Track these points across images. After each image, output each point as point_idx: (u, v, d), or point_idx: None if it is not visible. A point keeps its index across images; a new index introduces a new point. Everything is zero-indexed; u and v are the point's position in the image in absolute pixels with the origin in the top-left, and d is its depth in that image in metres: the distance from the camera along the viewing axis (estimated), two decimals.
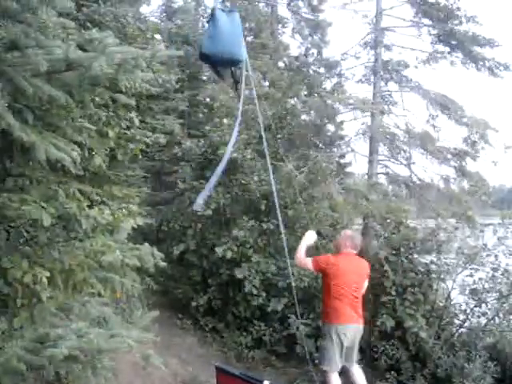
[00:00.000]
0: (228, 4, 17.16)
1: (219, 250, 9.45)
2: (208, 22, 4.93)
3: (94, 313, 4.04)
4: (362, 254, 10.43)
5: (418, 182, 11.29)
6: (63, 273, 4.13)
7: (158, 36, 12.05)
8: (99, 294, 4.63)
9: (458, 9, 11.01)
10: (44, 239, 3.82)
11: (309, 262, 5.96)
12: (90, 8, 6.85)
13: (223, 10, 4.94)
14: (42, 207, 3.54)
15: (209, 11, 18.90)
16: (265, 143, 5.80)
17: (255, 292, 9.34)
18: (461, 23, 11.05)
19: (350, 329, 5.88)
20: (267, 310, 9.45)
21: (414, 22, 11.61)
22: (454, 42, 11.16)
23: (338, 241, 6.25)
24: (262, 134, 5.95)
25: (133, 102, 5.00)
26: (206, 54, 4.78)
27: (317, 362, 6.43)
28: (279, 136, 11.16)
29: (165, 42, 13.83)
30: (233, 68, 5.37)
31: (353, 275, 5.97)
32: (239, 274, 9.33)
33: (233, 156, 9.78)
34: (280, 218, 5.93)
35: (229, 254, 9.38)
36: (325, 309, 5.96)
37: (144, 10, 13.80)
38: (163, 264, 4.78)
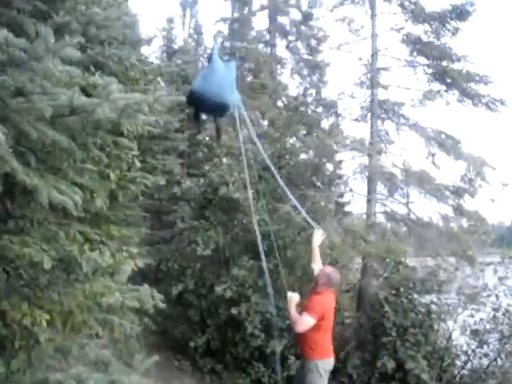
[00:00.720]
0: (227, 45, 17.50)
1: (219, 289, 9.41)
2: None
3: (92, 355, 4.00)
4: (361, 293, 10.46)
5: (416, 221, 11.28)
6: (62, 314, 4.10)
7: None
8: (97, 335, 4.60)
9: (450, 48, 11.20)
10: (44, 281, 3.80)
11: (310, 321, 5.76)
12: (94, 50, 6.96)
13: (222, 58, 5.00)
14: (43, 250, 3.54)
15: (208, 51, 19.25)
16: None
17: (257, 333, 9.25)
18: (453, 62, 11.23)
19: (332, 362, 6.02)
20: (266, 350, 9.34)
21: (408, 62, 11.78)
22: (449, 81, 11.30)
23: (319, 276, 6.10)
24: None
25: (134, 144, 5.04)
26: (195, 92, 4.76)
27: None
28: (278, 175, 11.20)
29: (165, 81, 14.00)
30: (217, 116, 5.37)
31: (332, 312, 6.05)
32: (236, 312, 9.27)
33: (234, 196, 9.82)
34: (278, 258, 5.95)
35: (228, 293, 9.33)
36: (311, 345, 5.86)
37: (145, 50, 14.03)
38: (163, 305, 4.76)
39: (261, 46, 19.11)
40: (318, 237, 6.36)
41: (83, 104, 2.71)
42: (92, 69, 5.31)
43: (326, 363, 5.88)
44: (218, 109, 5.13)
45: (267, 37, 19.01)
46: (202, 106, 5.06)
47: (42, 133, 2.75)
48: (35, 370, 3.37)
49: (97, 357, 4.07)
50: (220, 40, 5.60)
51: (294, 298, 6.07)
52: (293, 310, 5.93)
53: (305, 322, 5.78)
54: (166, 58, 18.16)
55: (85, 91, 3.31)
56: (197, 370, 9.96)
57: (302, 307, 6.04)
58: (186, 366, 9.94)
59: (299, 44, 19.07)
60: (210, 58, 4.96)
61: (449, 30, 11.23)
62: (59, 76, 2.64)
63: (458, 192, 10.97)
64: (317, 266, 6.33)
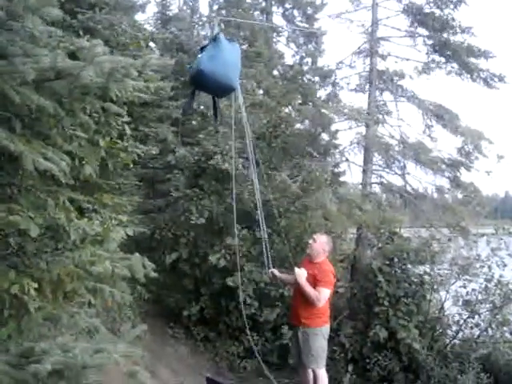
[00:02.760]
0: (224, 12, 17.22)
1: (213, 258, 9.39)
2: (207, 44, 4.82)
3: (83, 324, 3.98)
4: (355, 263, 10.50)
5: (412, 192, 11.28)
6: (52, 283, 4.06)
7: (152, 44, 12.01)
8: (89, 303, 4.58)
9: (453, 19, 11.04)
10: (32, 249, 3.76)
11: (328, 293, 5.97)
12: (85, 15, 6.82)
13: (227, 39, 4.88)
14: (30, 217, 3.48)
15: (204, 19, 18.96)
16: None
17: (249, 301, 9.28)
18: (455, 34, 11.08)
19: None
20: (260, 319, 9.38)
21: (409, 32, 11.64)
22: (449, 53, 11.17)
23: (315, 246, 6.22)
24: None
25: (124, 111, 4.94)
26: (204, 73, 4.62)
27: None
28: (273, 144, 11.12)
29: (160, 49, 13.79)
30: (216, 99, 5.27)
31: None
32: (231, 282, 9.27)
33: (226, 166, 9.75)
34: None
35: (222, 263, 9.33)
36: (316, 313, 6.02)
37: (139, 17, 13.79)
38: (154, 274, 4.73)
39: (257, 13, 18.83)
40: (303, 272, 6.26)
41: (68, 67, 2.62)
42: (82, 34, 5.19)
43: (328, 328, 6.19)
44: (224, 90, 5.08)
45: (263, 4, 18.73)
46: (207, 87, 4.93)
47: (25, 97, 2.66)
48: (23, 341, 3.34)
49: (87, 325, 4.05)
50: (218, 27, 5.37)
51: (303, 273, 6.05)
52: (308, 287, 5.95)
53: (325, 297, 5.93)
54: (160, 25, 17.84)
55: (75, 57, 3.21)
56: (190, 338, 10.01)
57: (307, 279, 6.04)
58: (179, 334, 9.99)
59: (295, 12, 18.79)
60: (215, 39, 4.81)
61: (451, 2, 11.05)
62: (40, 37, 2.55)
63: (454, 164, 10.96)
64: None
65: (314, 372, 6.12)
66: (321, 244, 6.20)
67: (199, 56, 4.72)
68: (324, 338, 6.09)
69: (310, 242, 6.32)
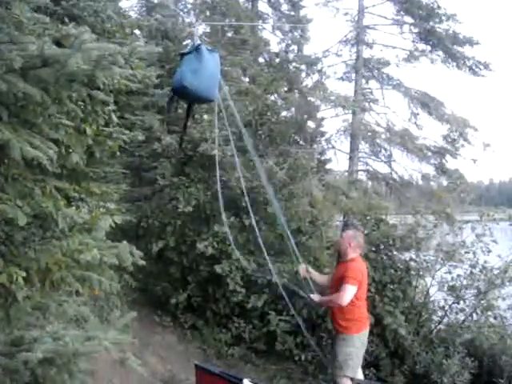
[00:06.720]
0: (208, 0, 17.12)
1: (200, 246, 9.38)
2: (187, 53, 4.86)
3: (71, 312, 3.98)
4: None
5: (397, 179, 11.35)
6: (40, 272, 4.06)
7: (137, 31, 11.90)
8: (77, 292, 4.57)
9: (439, 7, 11.08)
10: (20, 238, 3.74)
11: (352, 289, 5.60)
12: (68, 2, 6.74)
13: (207, 49, 4.90)
14: (18, 206, 3.46)
15: (189, 6, 18.83)
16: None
17: (238, 289, 9.30)
18: (441, 21, 11.11)
19: (367, 333, 5.99)
20: (247, 306, 9.41)
21: (395, 21, 11.67)
22: (434, 41, 11.22)
23: (343, 244, 6.02)
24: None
25: (111, 98, 4.92)
26: (187, 88, 4.67)
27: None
28: (260, 132, 11.12)
29: (145, 37, 13.67)
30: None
31: (366, 279, 5.98)
32: (219, 269, 9.28)
33: (213, 153, 9.74)
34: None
35: (210, 250, 9.33)
36: (349, 319, 5.77)
37: (123, 4, 13.64)
38: (142, 262, 4.74)
39: (242, 0, 18.73)
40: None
41: (55, 54, 2.59)
42: (67, 21, 5.14)
43: (364, 335, 5.86)
44: (204, 101, 5.32)
45: None
46: (188, 99, 5.05)
47: (12, 85, 2.63)
48: (12, 329, 3.34)
49: (76, 314, 4.05)
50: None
51: (308, 268, 5.96)
52: (327, 301, 5.88)
53: (349, 293, 5.58)
54: (144, 12, 17.65)
55: (59, 44, 3.18)
56: (178, 326, 10.02)
57: (334, 281, 5.92)
58: (167, 322, 10.00)
59: None
60: (198, 50, 4.82)
61: None
62: (28, 24, 2.52)
63: (439, 152, 11.05)
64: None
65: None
66: (347, 238, 6.00)
67: (182, 69, 4.77)
68: (354, 347, 5.73)
69: (339, 238, 6.21)
